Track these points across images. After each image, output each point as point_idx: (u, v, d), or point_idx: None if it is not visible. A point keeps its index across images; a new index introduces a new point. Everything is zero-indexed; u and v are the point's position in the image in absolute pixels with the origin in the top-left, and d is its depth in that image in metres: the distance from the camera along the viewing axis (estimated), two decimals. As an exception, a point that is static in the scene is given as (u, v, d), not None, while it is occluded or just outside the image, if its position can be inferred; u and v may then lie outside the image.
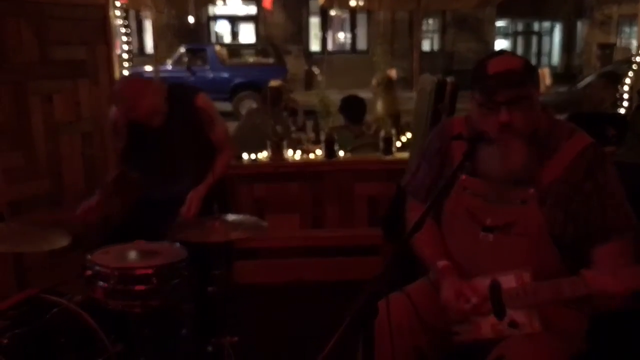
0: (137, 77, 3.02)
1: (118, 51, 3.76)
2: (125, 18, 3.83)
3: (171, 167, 2.80)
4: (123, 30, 3.85)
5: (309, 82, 16.52)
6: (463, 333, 1.81)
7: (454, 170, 1.72)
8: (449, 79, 3.03)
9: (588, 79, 9.77)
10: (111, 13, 3.58)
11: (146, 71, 10.98)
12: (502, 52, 1.86)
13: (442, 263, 1.87)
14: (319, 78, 9.54)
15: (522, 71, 1.70)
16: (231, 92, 13.27)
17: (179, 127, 2.76)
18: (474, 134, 1.73)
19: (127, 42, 3.91)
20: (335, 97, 4.71)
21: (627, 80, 3.78)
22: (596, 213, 1.73)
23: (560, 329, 1.75)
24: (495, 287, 1.73)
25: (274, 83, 5.03)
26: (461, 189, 1.89)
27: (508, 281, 1.73)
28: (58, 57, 3.26)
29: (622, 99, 3.75)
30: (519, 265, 1.74)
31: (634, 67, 3.72)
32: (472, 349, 1.81)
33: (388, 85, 5.35)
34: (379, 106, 5.09)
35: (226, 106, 13.15)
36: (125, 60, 3.82)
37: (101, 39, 3.50)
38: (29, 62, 3.12)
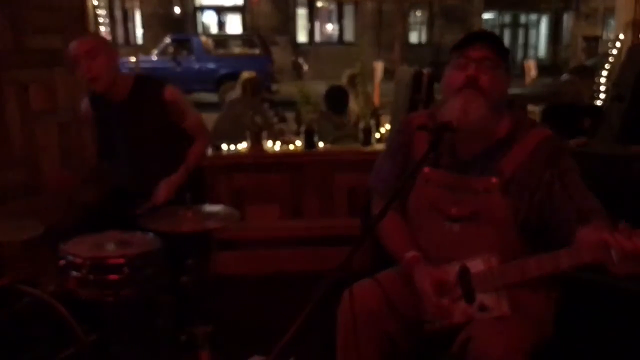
0: (93, 36, 2.99)
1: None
2: (109, 8, 3.80)
3: (139, 159, 2.76)
4: (101, 20, 3.81)
5: (296, 73, 16.50)
6: (435, 322, 1.83)
7: (419, 160, 1.71)
8: (425, 70, 3.04)
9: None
10: (89, 3, 3.55)
11: (131, 62, 10.91)
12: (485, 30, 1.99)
13: (409, 254, 1.88)
14: (305, 68, 9.50)
15: (497, 40, 1.81)
16: (217, 82, 13.20)
17: (145, 120, 2.71)
18: (438, 125, 1.73)
19: (108, 32, 3.88)
20: (322, 88, 4.71)
21: (604, 73, 3.83)
22: (563, 201, 1.75)
23: (528, 312, 1.78)
24: (464, 272, 1.76)
25: (248, 74, 5.02)
26: (424, 181, 1.91)
27: (476, 265, 1.76)
28: (34, 45, 3.23)
29: (599, 91, 3.79)
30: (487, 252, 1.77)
31: (611, 59, 3.76)
32: (442, 334, 1.83)
33: (351, 81, 5.24)
34: (351, 103, 5.04)
35: (212, 97, 13.10)
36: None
37: (78, 27, 3.46)
38: (4, 50, 3.09)
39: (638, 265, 1.54)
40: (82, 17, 3.49)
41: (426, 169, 1.88)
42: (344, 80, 5.15)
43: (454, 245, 1.84)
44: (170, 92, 2.74)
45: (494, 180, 1.80)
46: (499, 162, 1.81)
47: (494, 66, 1.76)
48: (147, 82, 2.80)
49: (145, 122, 2.71)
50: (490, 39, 1.79)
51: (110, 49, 2.68)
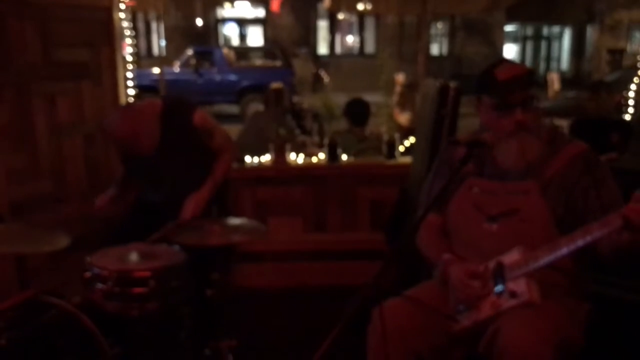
0: (127, 114, 2.67)
1: (125, 52, 3.75)
2: (132, 20, 3.82)
3: (166, 173, 2.76)
4: (128, 32, 3.84)
5: (317, 85, 16.53)
6: (463, 320, 1.86)
7: (451, 172, 1.88)
8: (452, 84, 3.01)
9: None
10: (115, 15, 3.58)
11: (153, 73, 11.03)
12: (504, 60, 2.03)
13: (446, 256, 1.97)
14: (326, 80, 9.50)
15: (527, 75, 1.93)
16: (238, 94, 13.27)
17: (175, 142, 2.70)
18: (471, 140, 1.86)
19: (132, 45, 3.90)
20: (342, 100, 4.69)
21: (633, 86, 3.77)
22: (594, 206, 1.84)
23: (558, 308, 1.80)
24: (498, 267, 1.82)
25: (274, 85, 5.03)
26: (468, 188, 2.01)
27: (511, 256, 1.81)
28: (61, 58, 3.27)
29: (628, 105, 3.73)
30: None
31: (640, 72, 3.71)
32: (470, 334, 1.84)
33: (411, 93, 5.19)
34: (404, 118, 4.98)
35: (233, 109, 13.19)
36: (130, 62, 3.82)
37: (105, 40, 3.52)
38: (32, 63, 3.13)
39: None
40: (108, 30, 3.52)
41: (469, 179, 2.00)
42: (397, 89, 5.10)
43: (492, 246, 1.89)
44: (199, 117, 2.75)
45: (533, 183, 1.90)
46: (538, 169, 1.92)
47: (532, 100, 1.89)
48: (176, 107, 2.79)
49: (175, 144, 2.70)
50: (523, 82, 1.88)
51: (142, 122, 2.60)
